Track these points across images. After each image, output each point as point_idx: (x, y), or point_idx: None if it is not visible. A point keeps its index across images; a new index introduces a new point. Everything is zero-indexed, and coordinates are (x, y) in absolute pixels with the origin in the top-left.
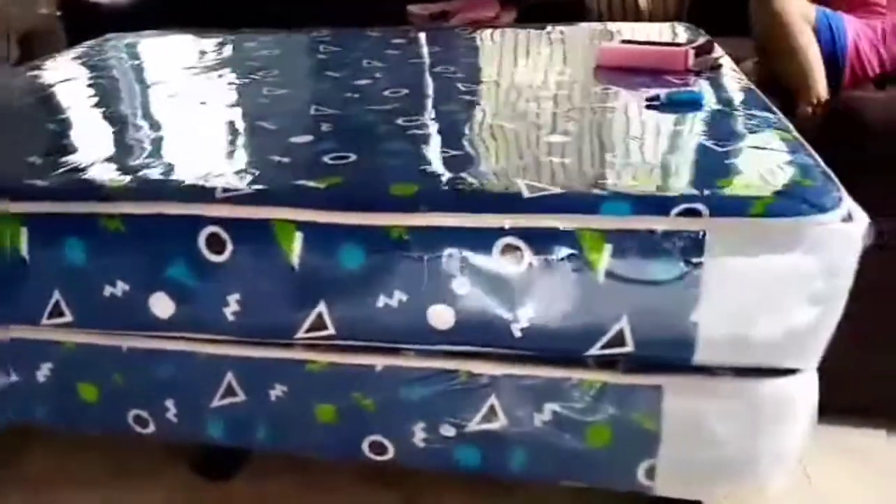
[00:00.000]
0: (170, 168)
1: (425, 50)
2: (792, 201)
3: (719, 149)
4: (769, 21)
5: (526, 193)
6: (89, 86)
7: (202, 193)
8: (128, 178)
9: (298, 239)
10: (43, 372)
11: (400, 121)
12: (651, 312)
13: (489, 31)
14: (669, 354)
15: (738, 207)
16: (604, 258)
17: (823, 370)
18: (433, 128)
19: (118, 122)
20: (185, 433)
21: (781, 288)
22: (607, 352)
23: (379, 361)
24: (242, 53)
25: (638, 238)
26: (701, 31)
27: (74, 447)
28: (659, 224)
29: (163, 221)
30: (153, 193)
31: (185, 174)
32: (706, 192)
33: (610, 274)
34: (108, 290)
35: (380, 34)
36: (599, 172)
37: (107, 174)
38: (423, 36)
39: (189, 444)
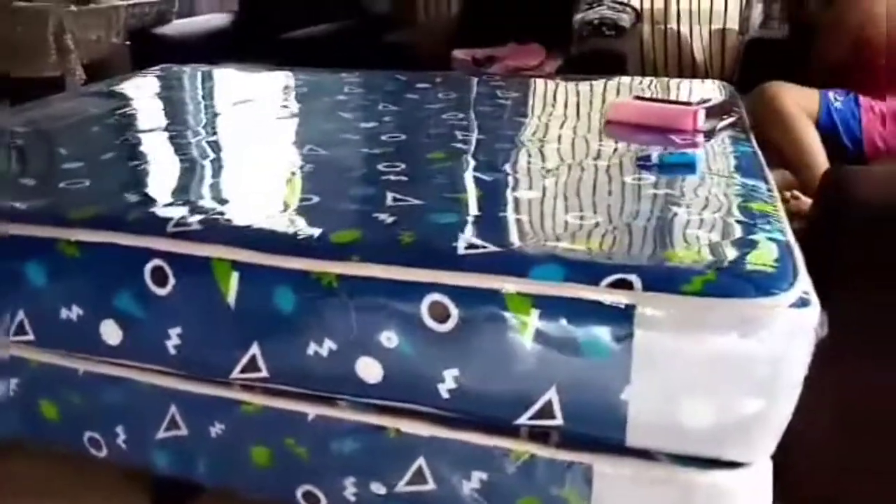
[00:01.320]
0: (132, 200)
1: (443, 96)
2: (734, 280)
3: (683, 217)
4: (762, 110)
5: (461, 250)
6: (101, 116)
7: (153, 226)
8: (89, 206)
9: (234, 278)
10: (11, 386)
11: (381, 166)
12: (581, 386)
13: (521, 79)
14: (600, 433)
15: (673, 282)
16: (531, 324)
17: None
18: (407, 176)
19: (106, 150)
20: (134, 460)
21: (719, 373)
22: (537, 423)
23: (311, 410)
24: (274, 88)
25: (567, 306)
26: (732, 90)
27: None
28: (587, 293)
29: (114, 251)
30: (108, 223)
31: (144, 206)
32: (642, 263)
33: (538, 341)
34: (64, 313)
35: (406, 77)
36: (546, 234)
37: (70, 200)
38: (450, 82)
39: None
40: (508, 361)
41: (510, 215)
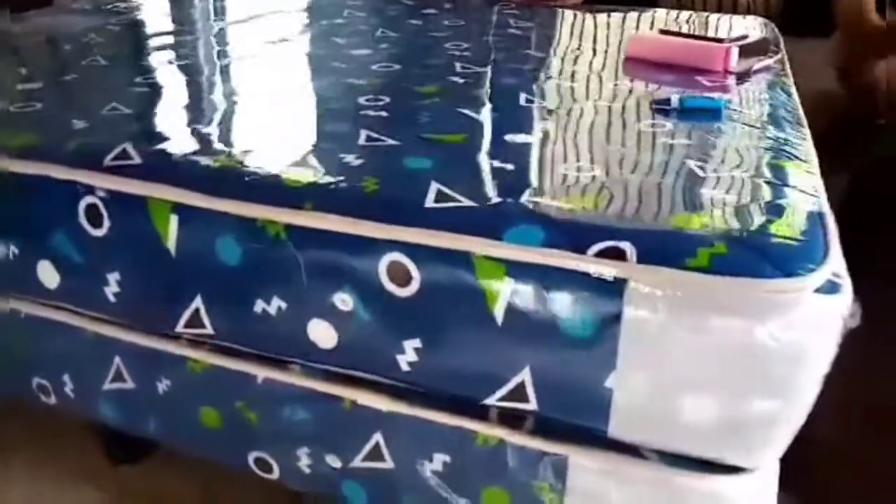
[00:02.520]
0: (76, 128)
1: (450, 23)
2: (749, 255)
3: (698, 173)
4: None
5: (428, 203)
6: (74, 34)
7: (90, 159)
8: (26, 133)
9: (174, 222)
10: None
11: (363, 99)
12: (559, 368)
13: (540, 9)
14: (580, 421)
15: (675, 254)
16: (503, 294)
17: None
18: (389, 111)
19: (70, 72)
20: (82, 409)
21: (725, 365)
22: (508, 405)
23: (260, 372)
24: (269, 9)
25: (546, 275)
26: (774, 29)
27: None
28: (571, 262)
29: (49, 185)
30: (43, 153)
31: (84, 136)
32: (639, 228)
33: (511, 314)
34: (2, 250)
35: (414, 2)
36: (531, 188)
37: (11, 125)
38: (460, 9)
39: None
40: (477, 335)
41: (494, 163)
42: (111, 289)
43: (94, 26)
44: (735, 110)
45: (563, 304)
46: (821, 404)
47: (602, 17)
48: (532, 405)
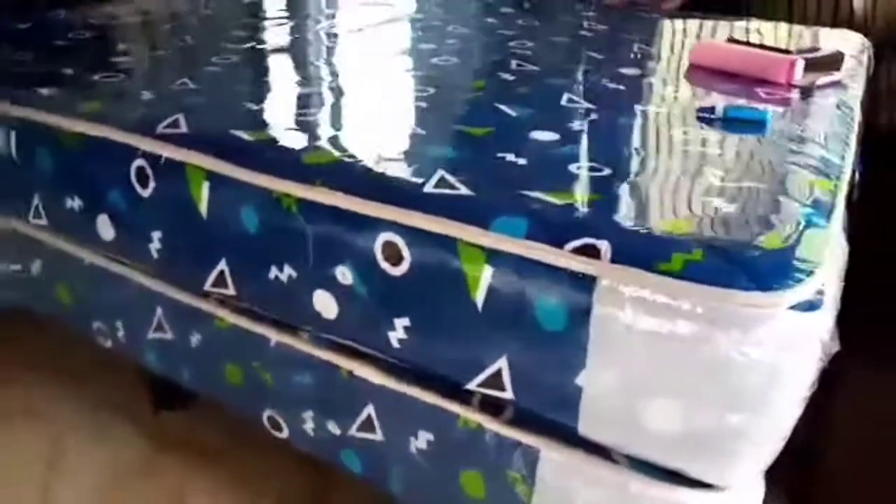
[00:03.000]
0: (143, 98)
1: (523, 22)
2: (724, 265)
3: (709, 181)
4: None
5: (428, 188)
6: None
7: (145, 126)
8: (95, 100)
9: (206, 188)
10: (35, 266)
11: (411, 90)
12: (533, 360)
13: (620, 12)
14: (552, 416)
15: (648, 256)
16: (483, 282)
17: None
18: (429, 103)
19: (158, 49)
20: (132, 354)
21: (693, 374)
22: (487, 391)
23: (274, 336)
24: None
25: (524, 266)
26: (868, 47)
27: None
28: (547, 255)
29: (108, 146)
30: (107, 118)
31: (146, 107)
32: (619, 227)
33: (490, 301)
34: (68, 203)
35: (493, 1)
36: (535, 182)
37: (90, 93)
38: (537, 8)
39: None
40: (459, 319)
41: (508, 157)
42: (154, 245)
43: (189, 10)
44: (780, 123)
45: (538, 295)
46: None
47: (679, 23)
48: (509, 394)
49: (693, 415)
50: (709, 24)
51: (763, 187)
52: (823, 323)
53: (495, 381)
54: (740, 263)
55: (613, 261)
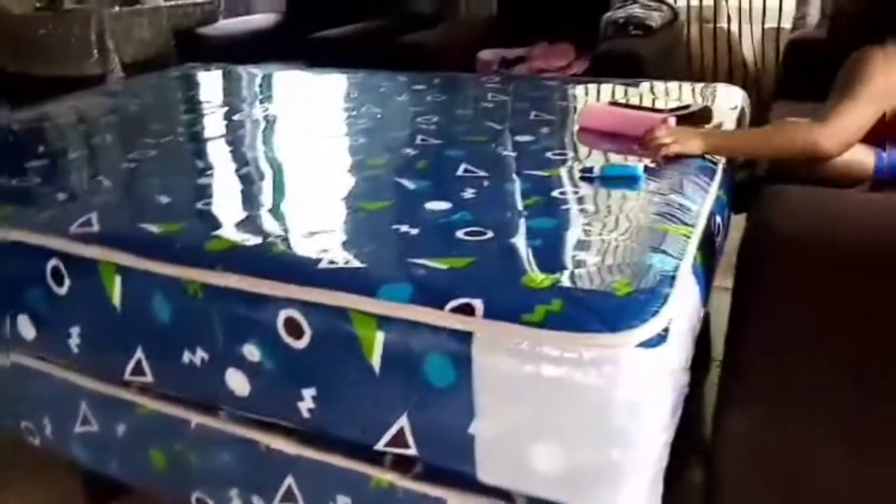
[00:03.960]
0: (56, 200)
1: (431, 98)
2: (578, 312)
3: (579, 236)
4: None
5: (323, 264)
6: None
7: (58, 227)
8: (9, 205)
9: (118, 282)
10: None
11: (315, 174)
12: (430, 415)
13: (525, 82)
14: (454, 466)
15: (515, 310)
16: (377, 346)
17: None
18: (333, 184)
19: (72, 150)
20: (61, 451)
21: (564, 414)
22: (394, 450)
23: (194, 418)
24: (255, 89)
25: (411, 329)
26: (740, 98)
27: None
28: (430, 317)
29: (23, 249)
30: (20, 222)
31: (55, 208)
32: (491, 287)
33: (385, 364)
34: None
35: (407, 78)
36: (421, 250)
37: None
38: (447, 84)
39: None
40: (360, 384)
41: (401, 228)
42: (74, 340)
43: (114, 107)
44: (652, 177)
45: (426, 354)
46: None
47: (577, 89)
48: (413, 450)
49: (571, 453)
50: (603, 87)
51: (623, 238)
52: (673, 356)
53: (399, 439)
54: (593, 309)
55: (486, 316)
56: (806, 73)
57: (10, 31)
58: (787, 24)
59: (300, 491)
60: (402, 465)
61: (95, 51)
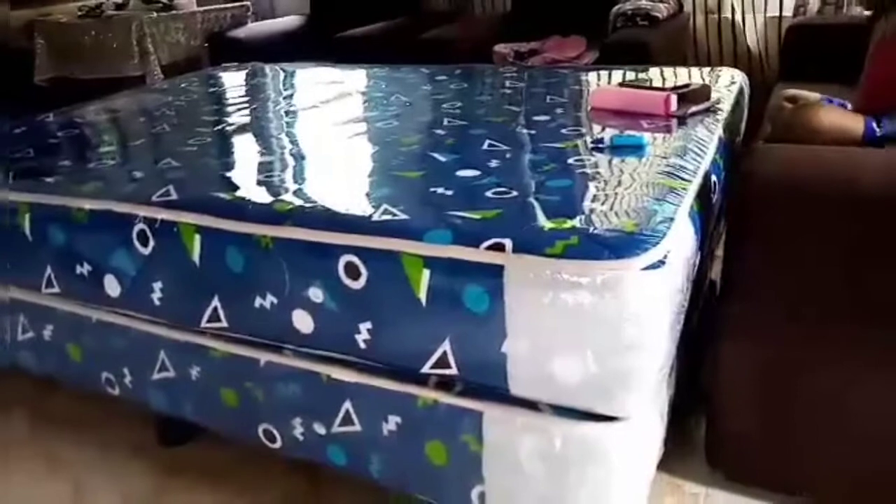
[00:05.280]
0: (135, 176)
1: (455, 87)
2: (592, 244)
3: (591, 191)
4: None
5: (376, 217)
6: (146, 110)
7: (141, 196)
8: (95, 181)
9: (197, 241)
10: (47, 332)
11: (359, 150)
12: (468, 339)
13: (541, 70)
14: (489, 382)
15: (539, 245)
16: (423, 282)
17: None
18: (375, 158)
19: (136, 138)
20: (139, 398)
21: (579, 330)
22: (437, 372)
23: (262, 356)
24: (289, 85)
25: (452, 265)
26: (740, 78)
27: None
28: (468, 254)
29: (111, 217)
30: (107, 194)
31: (136, 183)
32: (515, 228)
33: (431, 297)
34: (78, 269)
35: (429, 71)
36: (456, 205)
37: (80, 173)
38: (467, 74)
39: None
40: (409, 315)
41: (438, 190)
42: (156, 295)
43: (165, 102)
44: (656, 145)
45: (465, 286)
46: None
47: (589, 75)
48: (454, 371)
49: (590, 363)
50: (615, 73)
51: (629, 191)
52: (672, 278)
53: (442, 361)
54: (603, 242)
55: (515, 251)
56: (805, 56)
57: (57, 38)
58: (788, 12)
59: (356, 414)
60: (444, 384)
61: (136, 54)
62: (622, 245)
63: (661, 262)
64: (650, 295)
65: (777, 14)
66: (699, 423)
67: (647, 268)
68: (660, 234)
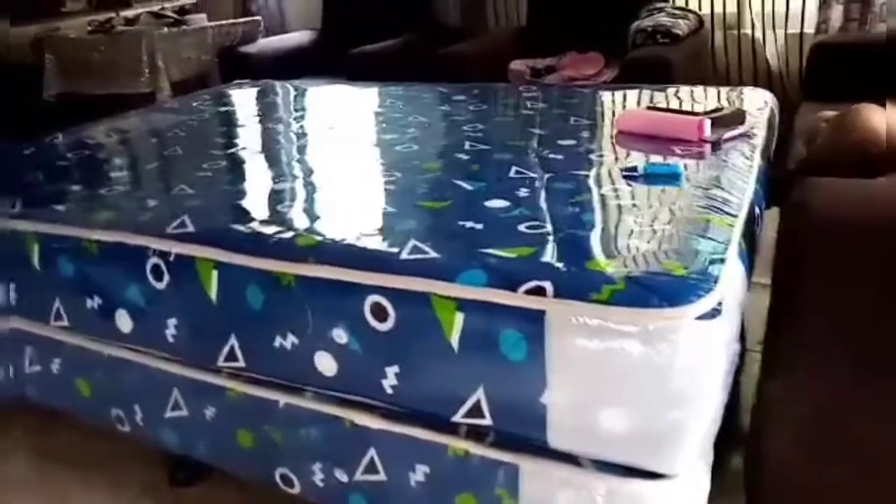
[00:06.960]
0: (148, 205)
1: (473, 107)
2: (641, 290)
3: (629, 227)
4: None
5: (405, 255)
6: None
7: (155, 227)
8: (106, 210)
9: (214, 276)
10: (55, 365)
11: (375, 176)
12: (504, 388)
13: (560, 89)
14: (526, 434)
15: (583, 290)
16: (456, 327)
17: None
18: (394, 185)
19: (148, 162)
20: (150, 436)
21: (628, 382)
22: (470, 421)
23: (282, 398)
24: (299, 103)
25: (488, 310)
26: (770, 100)
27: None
28: (505, 298)
29: (124, 249)
30: (120, 224)
31: (150, 212)
32: (559, 270)
33: (464, 342)
34: (88, 303)
35: (447, 90)
36: (488, 241)
37: (91, 205)
38: (484, 93)
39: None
40: (440, 361)
41: (467, 224)
42: (170, 331)
43: (174, 123)
44: (691, 174)
45: (502, 332)
46: None
47: (610, 95)
48: (488, 420)
49: (637, 417)
50: (634, 93)
51: (672, 228)
52: (726, 328)
53: (476, 411)
54: (653, 288)
55: (556, 296)
56: (830, 76)
57: (66, 54)
58: (809, 29)
59: (382, 462)
60: (477, 434)
61: (146, 70)
62: (673, 291)
63: (717, 310)
64: (705, 345)
65: (798, 31)
66: (732, 458)
67: (701, 317)
68: (712, 279)
